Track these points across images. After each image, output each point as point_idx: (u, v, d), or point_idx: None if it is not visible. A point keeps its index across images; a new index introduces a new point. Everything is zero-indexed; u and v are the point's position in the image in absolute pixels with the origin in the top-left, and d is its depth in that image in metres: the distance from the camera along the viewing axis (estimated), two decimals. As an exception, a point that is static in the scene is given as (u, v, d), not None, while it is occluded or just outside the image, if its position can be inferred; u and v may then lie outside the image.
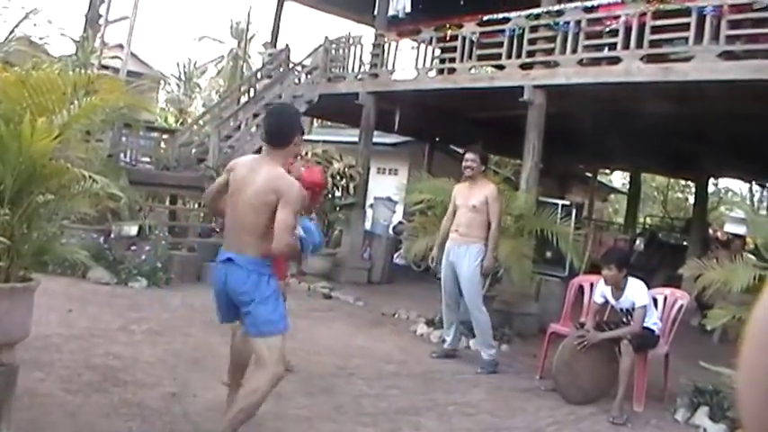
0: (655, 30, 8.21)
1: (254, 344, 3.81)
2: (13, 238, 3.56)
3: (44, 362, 5.06)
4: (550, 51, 9.36)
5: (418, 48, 11.62)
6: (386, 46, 12.16)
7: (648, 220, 23.75)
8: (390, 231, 13.53)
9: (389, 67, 12.05)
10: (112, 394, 4.66)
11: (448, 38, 10.94)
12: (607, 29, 8.71)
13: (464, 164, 6.98)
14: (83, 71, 4.25)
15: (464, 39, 10.49)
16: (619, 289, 5.94)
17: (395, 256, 13.42)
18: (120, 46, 13.05)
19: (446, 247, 6.96)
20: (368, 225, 13.11)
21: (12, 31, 9.17)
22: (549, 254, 9.13)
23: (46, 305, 6.60)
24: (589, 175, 21.37)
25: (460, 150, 18.61)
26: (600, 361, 5.94)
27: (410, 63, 11.70)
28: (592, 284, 6.60)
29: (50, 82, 3.62)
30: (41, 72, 3.65)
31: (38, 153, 3.46)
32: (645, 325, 5.85)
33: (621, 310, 6.02)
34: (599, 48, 9.10)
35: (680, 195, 30.56)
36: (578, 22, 8.98)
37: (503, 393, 6.13)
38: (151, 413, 4.42)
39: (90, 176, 3.66)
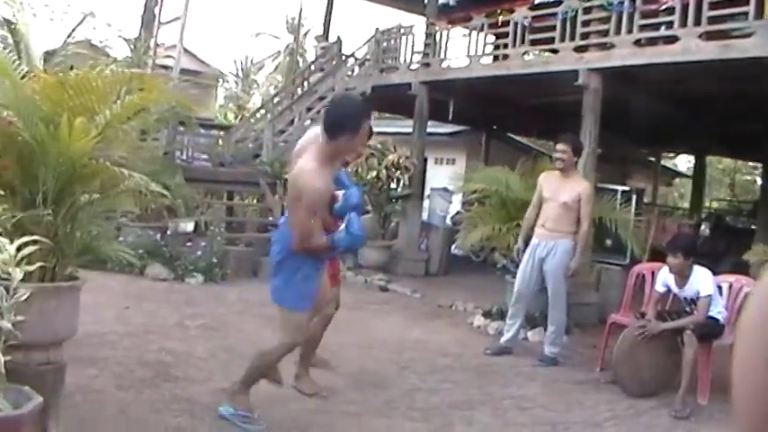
0: (713, 5, 7.85)
1: None
2: (57, 238, 3.57)
3: (98, 358, 5.13)
4: (605, 33, 9.07)
5: (470, 35, 11.42)
6: (437, 35, 12.01)
7: (715, 204, 22.99)
8: (449, 222, 13.39)
9: (441, 56, 11.90)
10: (163, 390, 4.69)
11: (500, 24, 10.73)
12: (663, 6, 8.39)
13: (554, 155, 6.75)
14: (134, 71, 4.28)
15: (516, 24, 10.27)
16: (683, 277, 5.69)
17: (452, 246, 13.27)
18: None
19: (532, 243, 6.71)
20: (425, 216, 13.01)
21: (69, 35, 9.35)
22: (608, 242, 8.94)
23: (104, 303, 6.75)
24: (652, 159, 20.77)
25: (518, 138, 18.52)
26: (662, 352, 5.72)
27: (462, 51, 11.53)
28: (653, 272, 6.36)
29: (89, 82, 3.61)
30: (80, 73, 3.65)
31: (77, 153, 3.46)
32: (709, 314, 5.60)
33: (685, 299, 5.78)
34: (655, 27, 8.76)
35: (748, 177, 29.51)
36: (633, 1, 8.65)
37: (560, 387, 5.95)
38: (201, 408, 4.42)
39: (130, 175, 3.64)
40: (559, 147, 6.66)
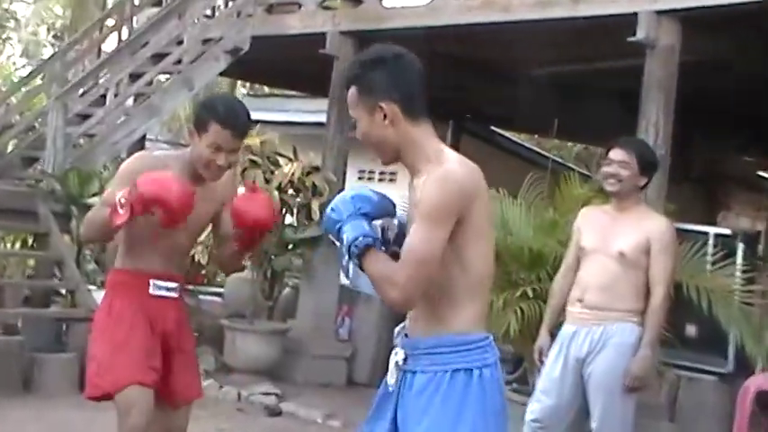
0: None
1: None
2: None
3: None
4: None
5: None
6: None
7: None
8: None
9: (381, -13, 12.00)
10: None
11: None
12: None
13: (605, 169, 6.52)
14: None
15: None
16: None
17: (396, 331, 12.85)
18: None
19: (563, 332, 6.50)
20: (344, 277, 12.51)
21: None
22: (692, 329, 8.94)
23: None
24: (766, 176, 21.19)
25: (514, 138, 18.30)
26: None
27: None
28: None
29: None
30: None
31: None
32: None
33: None
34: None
35: None
36: None
37: None
38: None
39: None
40: (616, 155, 6.42)
